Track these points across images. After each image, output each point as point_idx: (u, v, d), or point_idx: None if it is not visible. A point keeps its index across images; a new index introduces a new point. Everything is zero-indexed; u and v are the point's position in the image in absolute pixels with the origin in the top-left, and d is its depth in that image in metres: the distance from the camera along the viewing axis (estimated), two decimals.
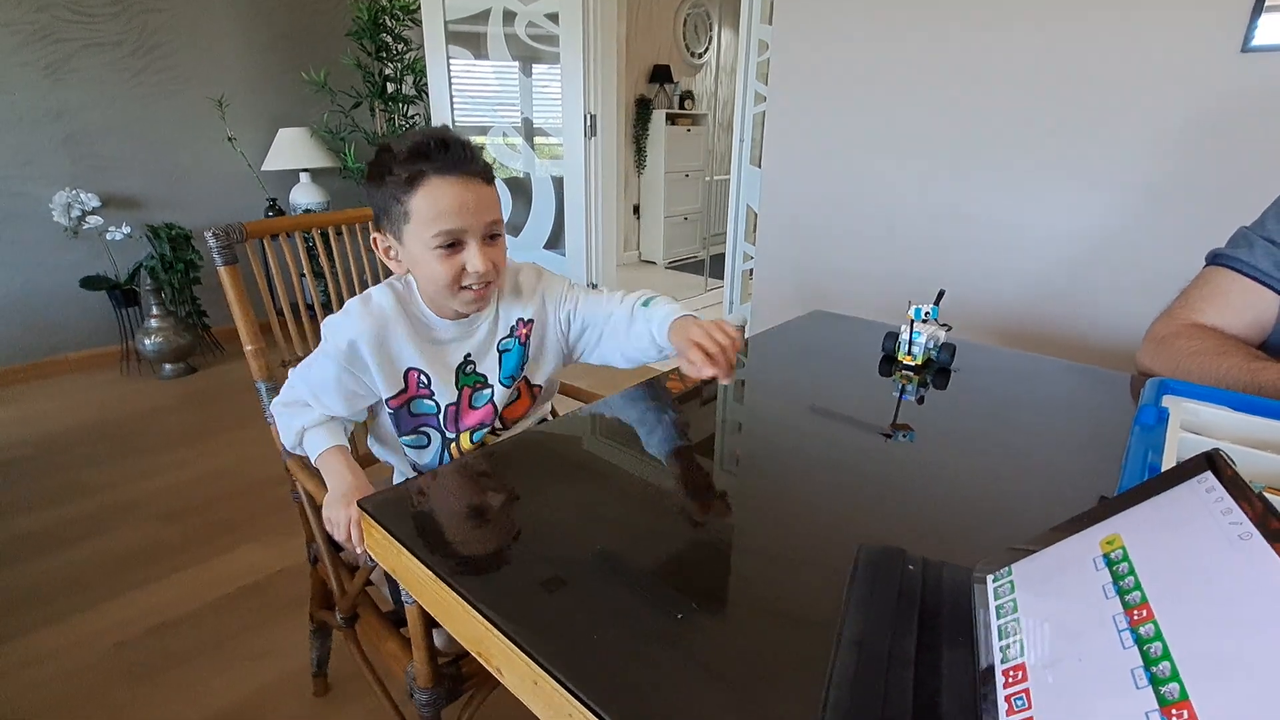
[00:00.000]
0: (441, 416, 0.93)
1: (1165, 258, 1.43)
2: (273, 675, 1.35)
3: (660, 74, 4.76)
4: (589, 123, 2.90)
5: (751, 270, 2.51)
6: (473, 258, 0.82)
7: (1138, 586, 0.36)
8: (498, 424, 0.98)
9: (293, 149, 3.17)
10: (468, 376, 0.94)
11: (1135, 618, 0.34)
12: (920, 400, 0.86)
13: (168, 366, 2.91)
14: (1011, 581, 0.44)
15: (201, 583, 1.62)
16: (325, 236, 1.14)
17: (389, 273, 0.92)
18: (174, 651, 1.42)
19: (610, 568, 0.52)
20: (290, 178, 3.33)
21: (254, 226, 1.04)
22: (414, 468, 0.98)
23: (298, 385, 0.92)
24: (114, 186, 2.94)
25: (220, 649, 1.42)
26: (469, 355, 0.93)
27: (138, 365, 2.99)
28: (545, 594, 0.48)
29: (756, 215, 2.54)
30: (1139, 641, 0.33)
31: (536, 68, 3.08)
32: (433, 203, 0.80)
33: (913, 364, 0.96)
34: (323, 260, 1.14)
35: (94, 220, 2.74)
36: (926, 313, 0.96)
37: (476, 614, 0.46)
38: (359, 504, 0.59)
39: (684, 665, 0.43)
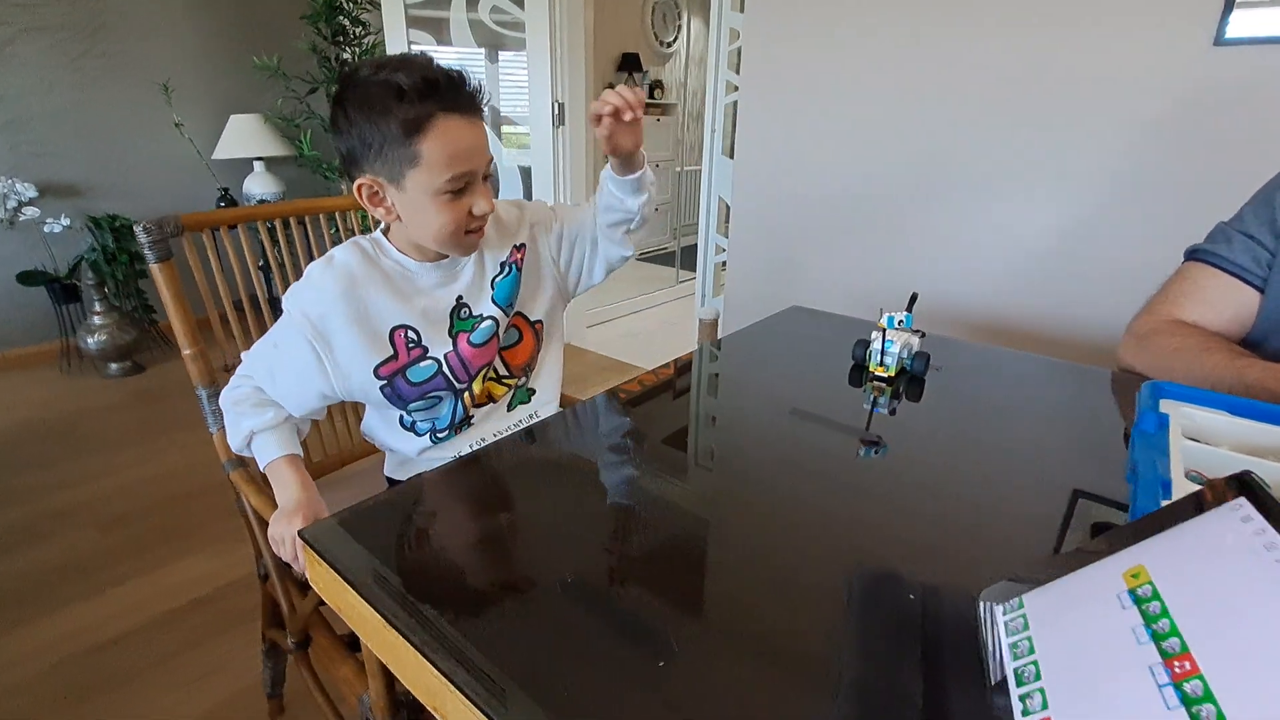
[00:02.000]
0: (446, 369, 0.87)
1: (1139, 252, 1.43)
2: (224, 695, 1.27)
3: (629, 62, 4.68)
4: (557, 111, 2.82)
5: (724, 263, 2.48)
6: (479, 200, 0.79)
7: (1174, 631, 0.32)
8: (502, 369, 0.94)
9: (245, 136, 3.03)
10: (463, 321, 0.88)
11: (1177, 670, 0.30)
12: (892, 412, 0.81)
13: (113, 365, 2.76)
14: (1024, 616, 0.40)
15: (147, 595, 1.52)
16: (275, 228, 1.06)
17: None
18: (117, 670, 1.32)
19: (583, 604, 0.46)
20: (243, 166, 3.18)
21: (193, 219, 0.96)
22: (432, 434, 0.92)
23: (253, 368, 0.85)
24: (53, 175, 2.76)
25: (167, 667, 1.33)
26: (461, 298, 0.88)
27: (79, 363, 2.83)
28: (509, 640, 0.43)
29: (729, 207, 2.51)
30: (1186, 702, 0.29)
31: (503, 55, 2.99)
32: (445, 145, 0.74)
33: (885, 375, 0.89)
34: (269, 255, 1.06)
35: (31, 211, 2.57)
36: (900, 320, 0.91)
37: (430, 665, 0.40)
38: (300, 534, 0.53)
39: None
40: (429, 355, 0.85)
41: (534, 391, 1.00)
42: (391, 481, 1.00)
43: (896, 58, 1.65)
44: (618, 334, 3.42)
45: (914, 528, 0.56)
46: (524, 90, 2.87)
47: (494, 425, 0.96)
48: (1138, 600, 0.36)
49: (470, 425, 0.94)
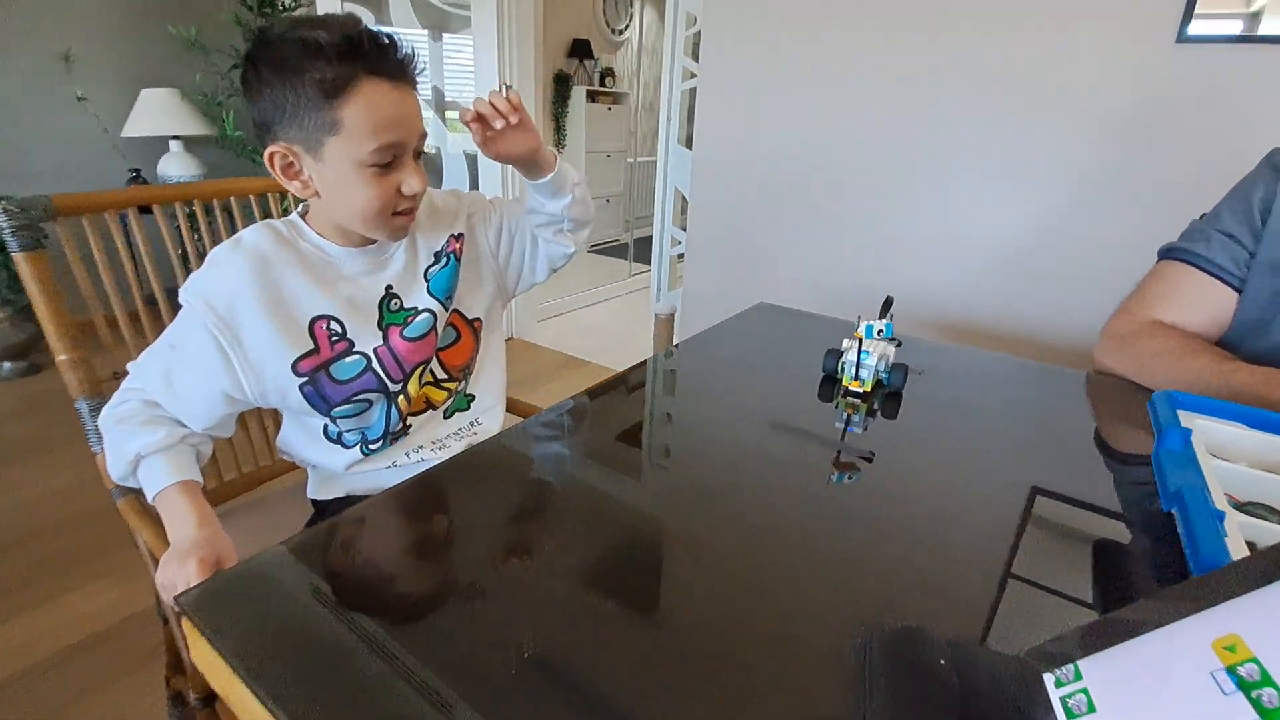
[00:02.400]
0: (376, 365, 0.76)
1: (1107, 249, 1.41)
2: None
3: (580, 49, 4.55)
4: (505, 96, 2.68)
5: (681, 255, 2.40)
6: (409, 177, 0.70)
7: None
8: (440, 372, 0.84)
9: (159, 113, 2.77)
10: (394, 314, 0.78)
11: None
12: (866, 429, 0.72)
13: (6, 365, 2.48)
14: (1087, 693, 0.33)
15: (35, 633, 1.34)
16: (178, 214, 0.92)
17: None
18: None
19: (539, 690, 0.37)
20: (159, 146, 2.91)
21: (68, 200, 0.81)
22: (362, 444, 0.81)
23: (144, 378, 0.73)
24: None
25: (57, 718, 1.17)
26: (391, 288, 0.78)
27: None
28: None
29: (685, 198, 2.42)
30: None
31: (448, 37, 2.83)
32: (371, 112, 0.65)
33: (860, 390, 0.79)
34: (170, 247, 0.91)
35: None
36: (880, 330, 0.81)
37: None
38: (175, 601, 0.42)
39: None
40: (355, 349, 0.75)
41: (473, 397, 0.90)
42: (316, 504, 0.88)
43: (864, 48, 1.60)
44: (571, 328, 3.31)
45: (894, 558, 0.49)
46: (470, 74, 2.72)
47: (431, 434, 0.86)
48: (1243, 685, 0.29)
49: (407, 434, 0.84)
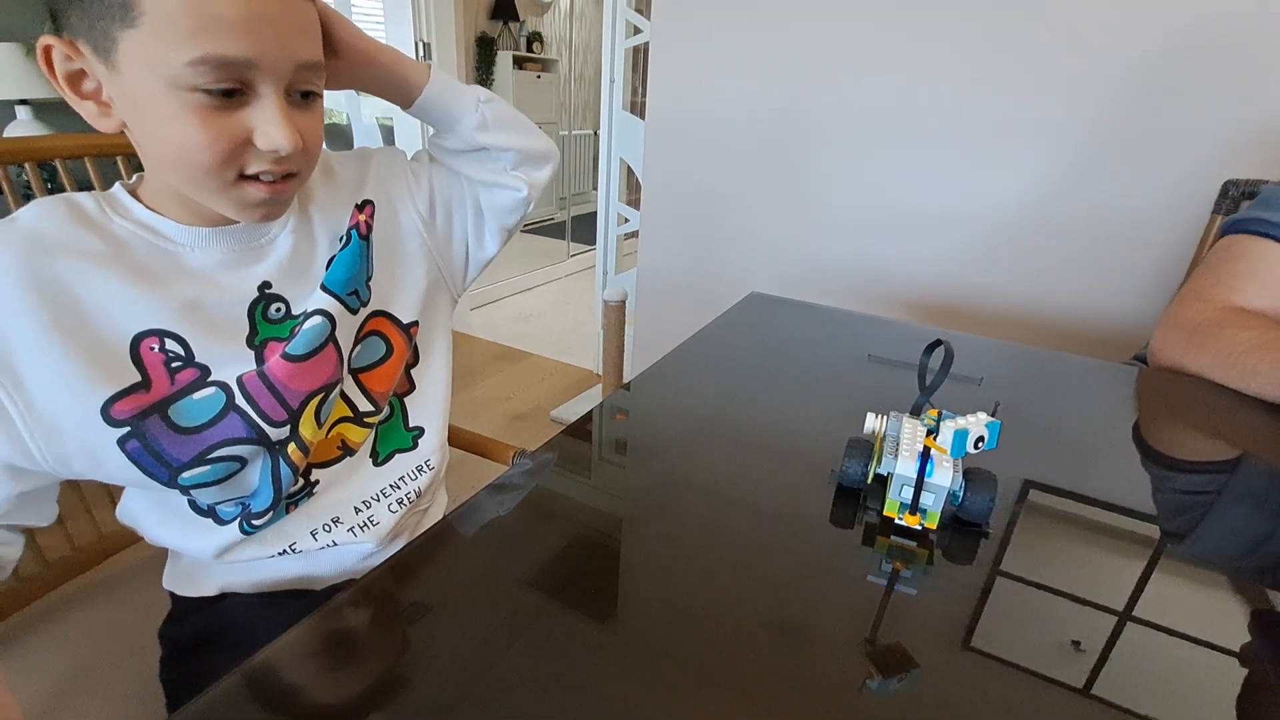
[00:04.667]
0: (243, 400, 0.51)
1: (1122, 217, 1.27)
2: None
3: (504, 9, 4.20)
4: (422, 53, 2.36)
5: (627, 234, 2.17)
6: (268, 121, 0.45)
7: None
8: (362, 400, 0.60)
9: (2, 73, 2.31)
10: (274, 325, 0.53)
11: None
12: (920, 589, 0.40)
13: None
14: None
15: None
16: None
17: None
18: None
19: None
20: (4, 112, 2.44)
21: None
22: (244, 519, 0.55)
23: None
24: None
25: None
26: (267, 287, 0.53)
27: None
28: None
29: (631, 170, 2.19)
30: None
31: None
32: None
33: (918, 528, 0.44)
34: None
35: None
36: (979, 439, 0.42)
37: None
38: None
39: None
40: (211, 379, 0.50)
41: (420, 431, 0.66)
42: (176, 600, 0.62)
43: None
44: (507, 316, 3.04)
45: None
46: (380, 27, 2.38)
47: (356, 492, 0.62)
48: None
49: (312, 495, 0.59)
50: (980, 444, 0.41)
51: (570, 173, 4.44)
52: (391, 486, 0.63)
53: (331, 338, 0.55)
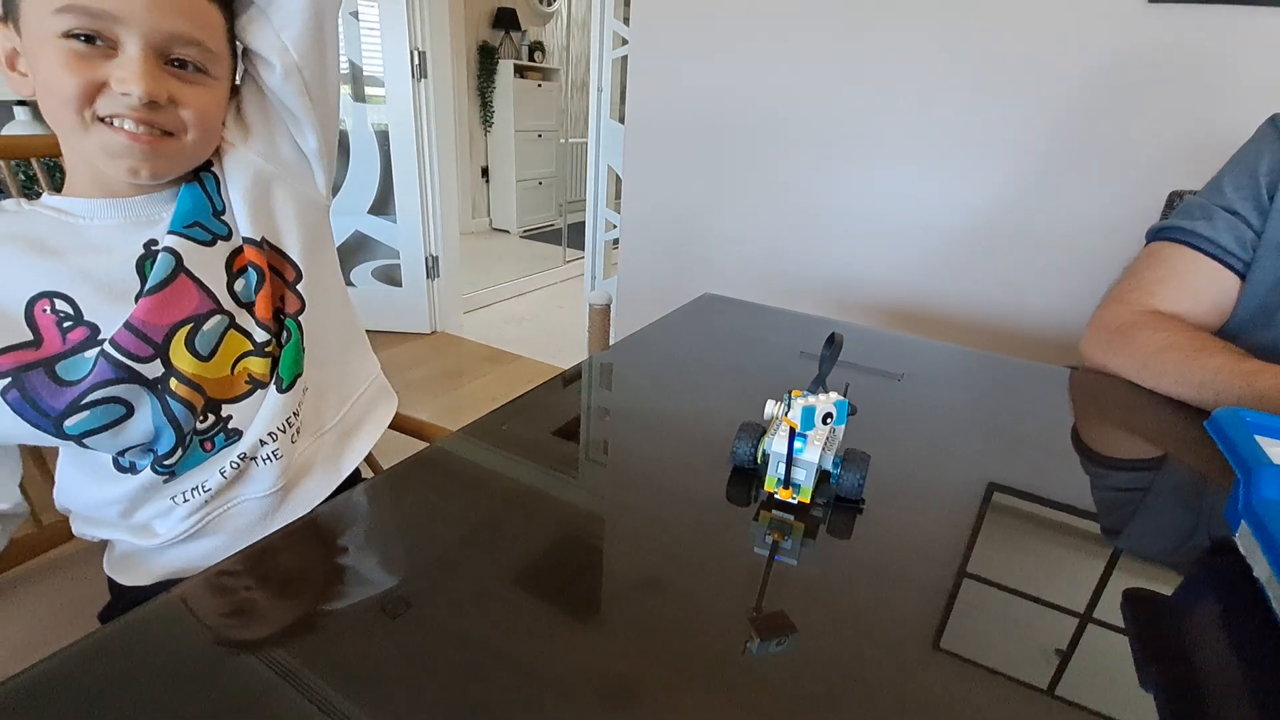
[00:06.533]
0: (110, 347, 0.52)
1: (1074, 228, 1.31)
2: None
3: (505, 19, 4.27)
4: (417, 62, 2.42)
5: (616, 241, 2.22)
6: (123, 68, 0.49)
7: None
8: (257, 330, 0.59)
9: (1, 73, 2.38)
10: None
11: None
12: (800, 559, 0.43)
13: None
14: None
15: None
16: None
17: None
18: None
19: None
20: (3, 113, 2.51)
21: None
22: (155, 464, 0.57)
23: None
24: None
25: None
26: (153, 244, 0.56)
27: None
28: None
29: (619, 177, 2.24)
30: None
31: (362, 5, 2.54)
32: None
33: (792, 500, 0.48)
34: None
35: None
36: (826, 414, 0.46)
37: None
38: None
39: None
40: (97, 340, 0.52)
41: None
42: (114, 587, 0.64)
43: (812, 10, 1.45)
44: (499, 319, 3.08)
45: None
46: (375, 34, 2.44)
47: (265, 425, 0.61)
48: None
49: (228, 432, 0.59)
50: (829, 419, 0.45)
51: (569, 179, 4.50)
52: (295, 415, 0.63)
53: (180, 269, 0.55)
